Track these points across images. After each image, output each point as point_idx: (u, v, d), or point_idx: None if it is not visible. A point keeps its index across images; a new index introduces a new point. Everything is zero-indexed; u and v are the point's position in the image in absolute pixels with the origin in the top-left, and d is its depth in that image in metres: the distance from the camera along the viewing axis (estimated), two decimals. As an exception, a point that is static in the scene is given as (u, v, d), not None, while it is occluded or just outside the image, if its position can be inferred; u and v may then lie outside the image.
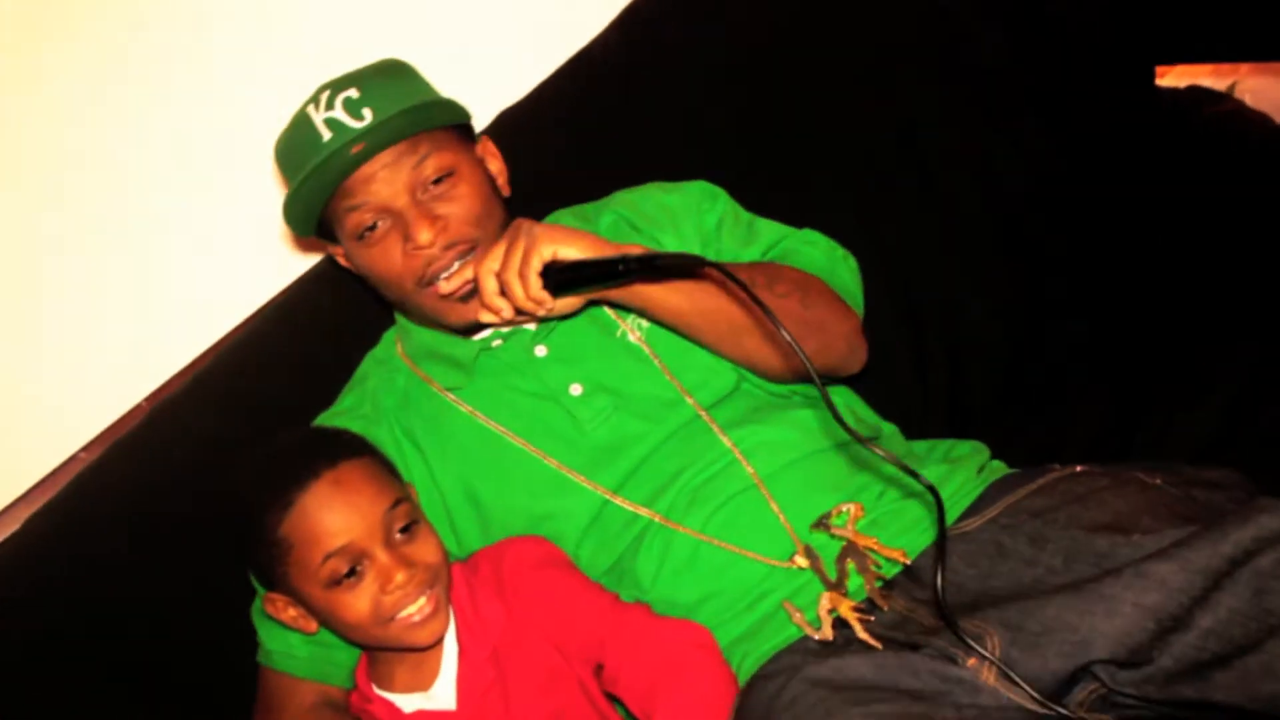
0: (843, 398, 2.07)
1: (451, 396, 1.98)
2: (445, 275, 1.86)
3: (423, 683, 1.86)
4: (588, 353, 1.97)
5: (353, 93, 1.87)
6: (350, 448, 1.82)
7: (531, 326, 1.97)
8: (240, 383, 2.20)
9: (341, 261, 2.02)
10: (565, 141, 2.34)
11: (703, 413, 1.93)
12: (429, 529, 1.83)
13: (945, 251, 2.36)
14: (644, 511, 1.89)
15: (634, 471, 1.92)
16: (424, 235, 1.84)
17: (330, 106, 1.86)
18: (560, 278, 1.74)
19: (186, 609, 2.05)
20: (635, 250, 1.72)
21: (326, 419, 2.04)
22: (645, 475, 1.91)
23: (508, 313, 1.81)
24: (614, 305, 1.94)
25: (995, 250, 2.36)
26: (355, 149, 1.82)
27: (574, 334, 1.98)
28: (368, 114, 1.85)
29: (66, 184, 2.29)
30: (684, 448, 1.92)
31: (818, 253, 2.04)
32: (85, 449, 2.27)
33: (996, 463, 1.98)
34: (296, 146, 1.89)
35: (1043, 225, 2.36)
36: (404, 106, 1.86)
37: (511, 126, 2.35)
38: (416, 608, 1.77)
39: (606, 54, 2.41)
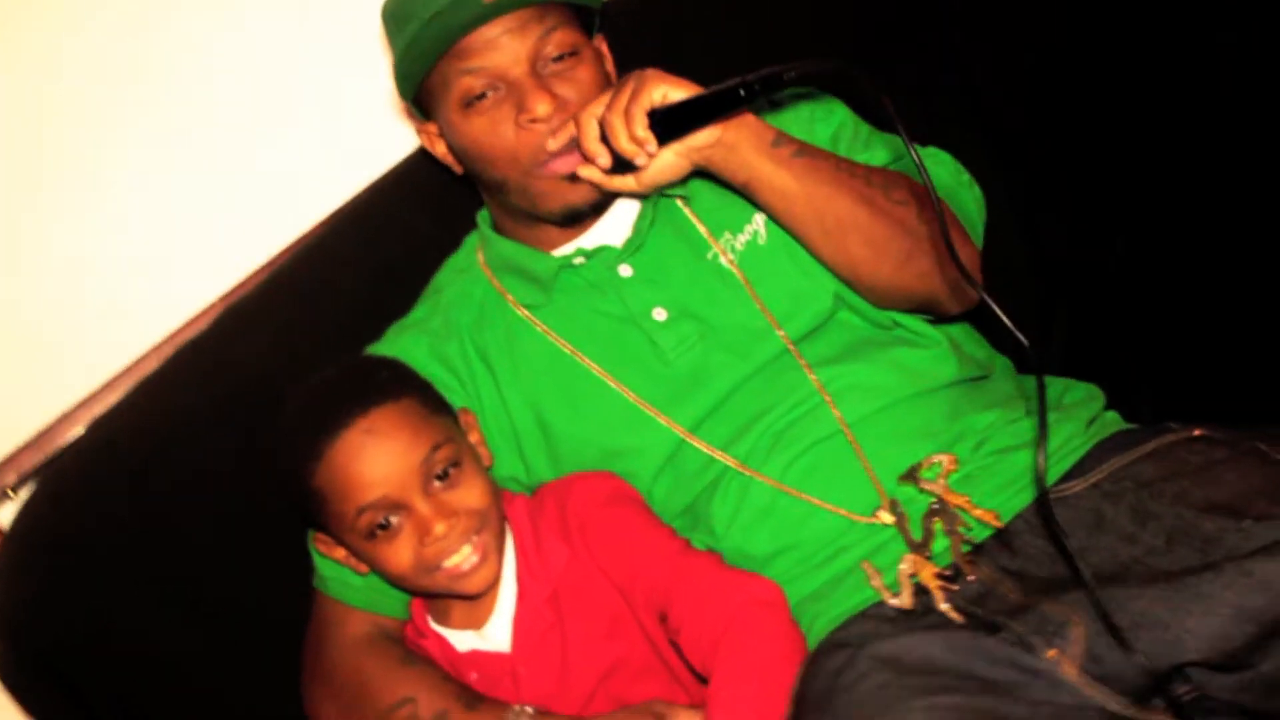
0: (954, 329, 1.93)
1: (528, 314, 1.89)
2: (551, 137, 1.75)
3: (478, 620, 1.79)
4: (675, 275, 1.86)
5: None
6: (385, 390, 1.73)
7: (630, 203, 1.86)
8: (315, 284, 2.11)
9: (431, 142, 1.91)
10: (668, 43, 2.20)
11: (792, 347, 1.81)
12: (474, 470, 1.74)
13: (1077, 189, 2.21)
14: (721, 456, 1.79)
15: (715, 409, 1.81)
16: (541, 107, 1.73)
17: None
18: (670, 120, 1.64)
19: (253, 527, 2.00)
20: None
21: (397, 330, 1.96)
22: (727, 414, 1.81)
23: (604, 160, 1.69)
24: (710, 216, 1.85)
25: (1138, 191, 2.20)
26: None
27: (662, 253, 1.87)
28: None
29: (150, 75, 2.22)
30: (769, 386, 1.81)
31: (944, 172, 1.90)
32: (158, 346, 2.21)
33: (1111, 414, 1.84)
34: None
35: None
36: None
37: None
38: (462, 557, 1.70)
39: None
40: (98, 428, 2.08)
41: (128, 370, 2.20)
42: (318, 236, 2.19)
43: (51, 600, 1.92)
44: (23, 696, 1.90)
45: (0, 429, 2.20)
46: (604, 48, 1.91)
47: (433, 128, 1.89)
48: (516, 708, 1.68)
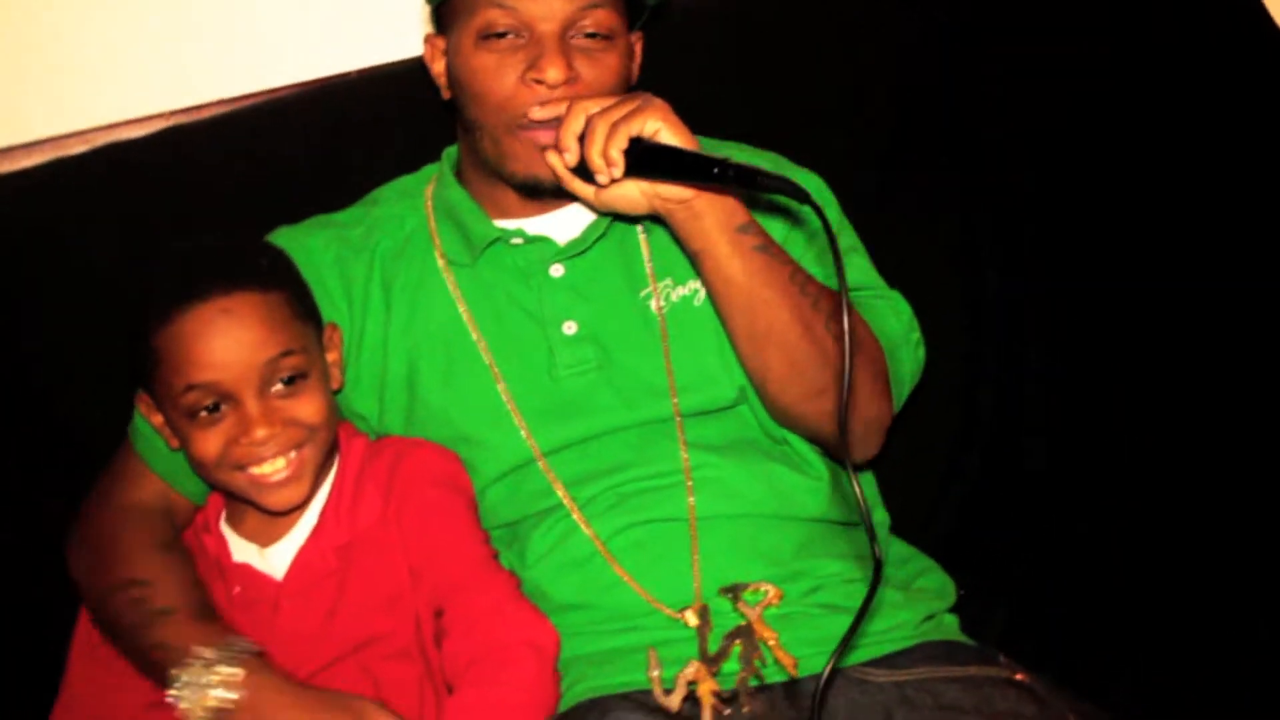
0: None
1: (447, 270, 1.84)
2: (539, 104, 1.70)
3: (265, 538, 1.73)
4: (602, 296, 1.81)
5: None
6: (258, 276, 1.66)
7: (577, 214, 1.81)
8: (261, 142, 2.07)
9: (433, 55, 1.84)
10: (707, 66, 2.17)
11: (679, 418, 1.77)
12: (319, 386, 1.68)
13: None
14: (562, 491, 1.75)
15: (578, 444, 1.77)
16: (553, 73, 1.68)
17: None
18: (645, 156, 1.60)
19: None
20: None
21: (315, 223, 1.89)
22: (587, 453, 1.76)
23: (571, 158, 1.64)
24: (661, 255, 1.80)
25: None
26: None
27: (599, 269, 1.82)
28: None
29: None
30: (640, 445, 1.76)
31: (895, 323, 1.84)
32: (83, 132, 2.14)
33: (950, 619, 1.80)
34: None
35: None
36: None
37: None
38: (273, 468, 1.64)
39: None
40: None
41: (43, 142, 2.14)
42: (292, 95, 2.14)
43: None
44: None
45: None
46: (638, 46, 1.86)
47: (440, 43, 1.82)
48: (240, 640, 1.61)
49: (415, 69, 2.06)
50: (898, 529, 1.94)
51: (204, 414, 1.62)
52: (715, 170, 1.55)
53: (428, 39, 1.86)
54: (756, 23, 2.23)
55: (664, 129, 1.60)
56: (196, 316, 1.61)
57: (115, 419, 1.84)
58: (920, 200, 2.20)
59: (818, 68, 2.22)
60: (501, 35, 1.72)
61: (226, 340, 1.61)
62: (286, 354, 1.64)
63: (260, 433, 1.62)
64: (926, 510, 2.10)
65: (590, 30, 1.72)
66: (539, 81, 1.70)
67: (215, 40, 2.24)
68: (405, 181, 1.96)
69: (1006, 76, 2.22)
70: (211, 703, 1.56)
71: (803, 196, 1.51)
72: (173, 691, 1.58)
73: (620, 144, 1.59)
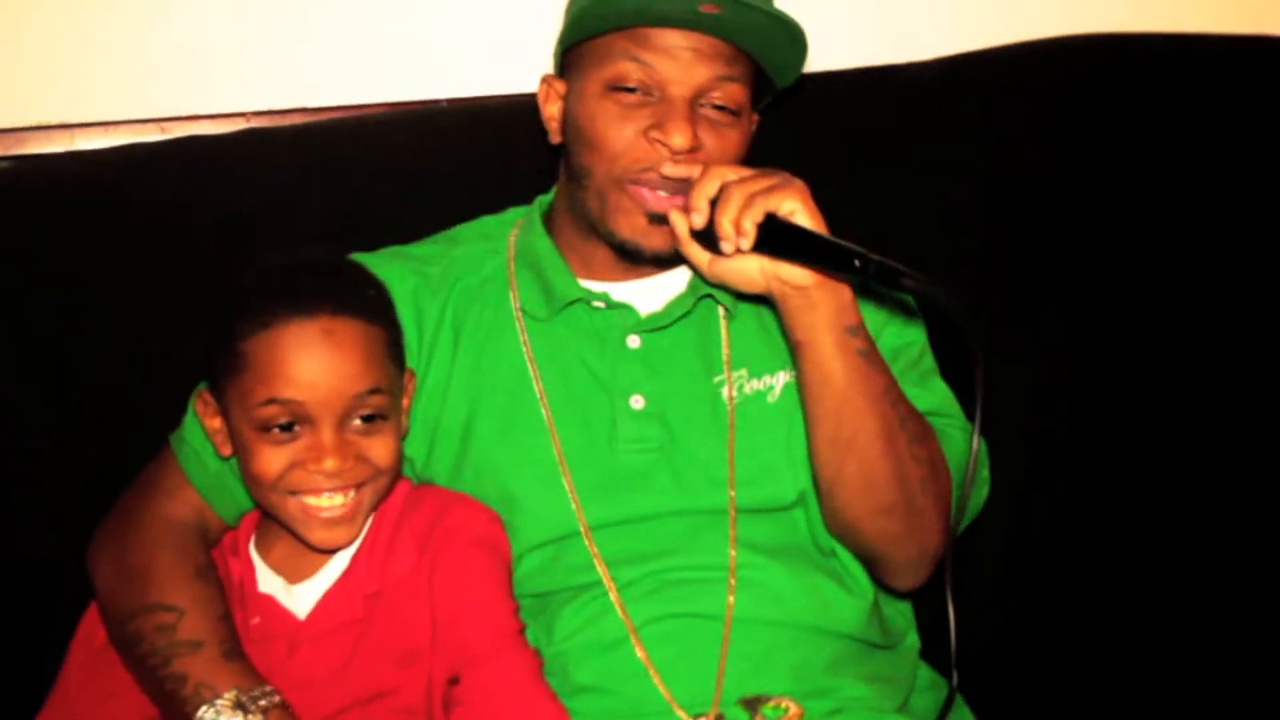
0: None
1: (522, 321, 1.79)
2: (671, 161, 1.67)
3: (294, 573, 1.66)
4: (674, 376, 1.76)
5: None
6: (366, 307, 1.62)
7: (679, 283, 1.78)
8: (340, 158, 2.04)
9: (547, 97, 1.81)
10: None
11: (733, 513, 1.72)
12: (394, 431, 1.63)
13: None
14: (603, 569, 1.70)
15: (626, 523, 1.72)
16: (679, 138, 1.65)
17: None
18: (779, 235, 1.56)
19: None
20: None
21: (393, 253, 1.84)
22: (634, 534, 1.71)
23: (700, 220, 1.61)
24: (740, 344, 1.77)
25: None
26: (705, 7, 1.63)
27: (676, 348, 1.77)
28: None
29: None
30: (689, 534, 1.71)
31: (967, 457, 1.76)
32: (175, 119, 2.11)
33: None
34: None
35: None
36: (766, 8, 1.67)
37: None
38: (330, 502, 1.58)
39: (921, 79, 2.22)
40: (70, 161, 2.02)
41: (128, 123, 2.11)
42: (377, 115, 2.12)
43: None
44: None
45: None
46: (753, 127, 1.82)
47: (560, 86, 1.79)
48: (268, 690, 1.55)
49: (510, 107, 2.04)
50: (926, 654, 1.89)
51: (276, 431, 1.56)
52: (856, 262, 1.50)
53: (545, 79, 1.82)
54: (849, 113, 2.21)
55: (801, 211, 1.57)
56: (299, 331, 1.55)
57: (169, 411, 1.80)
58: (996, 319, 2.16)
59: (909, 161, 2.20)
60: (631, 90, 1.69)
61: (323, 363, 1.55)
62: (374, 391, 1.58)
63: (330, 464, 1.56)
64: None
65: (719, 102, 1.70)
66: (662, 143, 1.67)
67: (304, 48, 2.20)
68: (488, 223, 1.91)
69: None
70: None
71: (951, 302, 1.48)
72: None
73: (755, 216, 1.56)
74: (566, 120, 1.77)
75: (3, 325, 1.89)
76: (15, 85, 2.11)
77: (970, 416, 1.65)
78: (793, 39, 1.71)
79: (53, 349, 1.90)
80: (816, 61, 1.92)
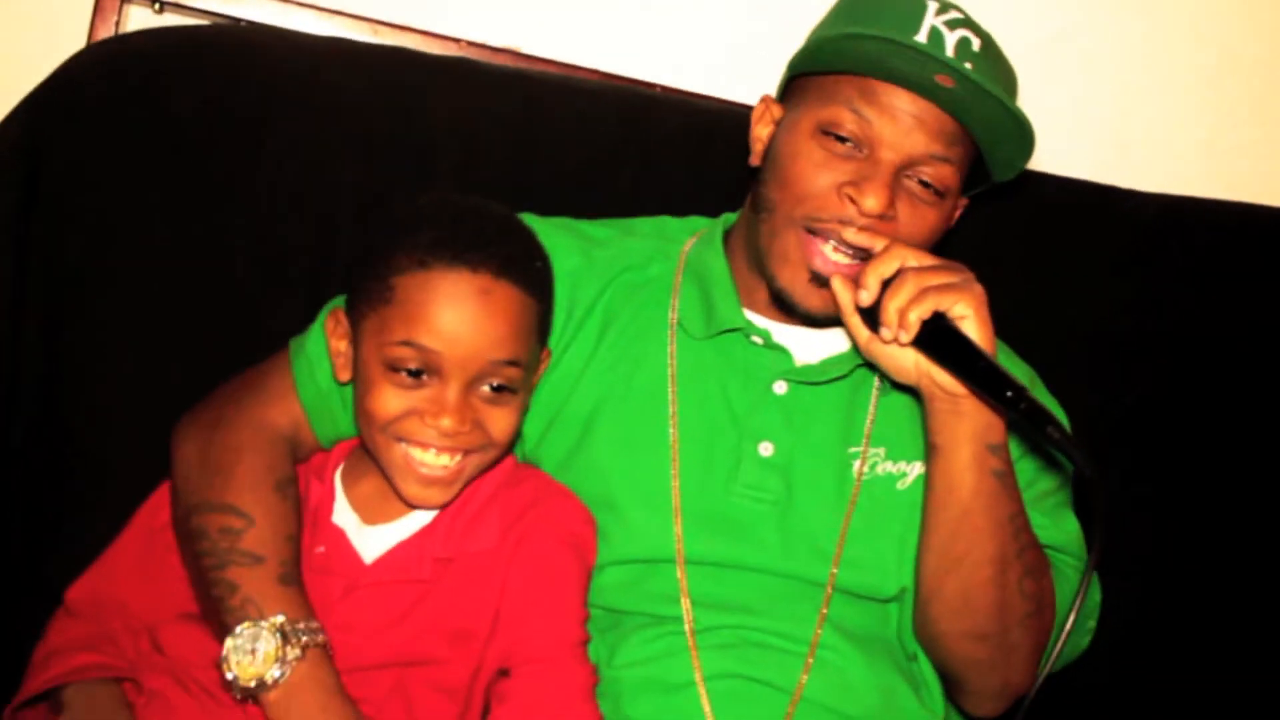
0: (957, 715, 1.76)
1: (674, 333, 1.72)
2: (857, 227, 1.60)
3: (372, 515, 1.59)
4: (811, 434, 1.68)
5: (975, 42, 1.61)
6: (528, 277, 1.55)
7: (844, 344, 1.70)
8: (559, 109, 1.98)
9: (761, 118, 1.75)
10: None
11: (830, 589, 1.64)
12: (518, 407, 1.56)
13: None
14: (686, 607, 1.62)
15: (723, 567, 1.64)
16: (872, 201, 1.59)
17: (950, 27, 1.61)
18: (941, 337, 1.51)
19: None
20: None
21: (566, 224, 1.78)
22: (726, 580, 1.64)
23: (867, 298, 1.54)
24: (885, 422, 1.70)
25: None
26: (939, 77, 1.56)
27: (821, 406, 1.70)
28: (968, 68, 1.57)
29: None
30: (780, 598, 1.64)
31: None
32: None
33: None
34: (884, 8, 1.63)
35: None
36: (1004, 99, 1.59)
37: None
38: (435, 460, 1.52)
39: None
40: (276, 37, 1.97)
41: (345, 15, 2.08)
42: (592, 82, 2.07)
43: (87, 117, 1.81)
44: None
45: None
46: (958, 212, 1.73)
47: (777, 111, 1.72)
48: (315, 626, 1.48)
49: (722, 114, 1.97)
50: None
51: (404, 374, 1.50)
52: (1009, 394, 1.45)
53: (765, 100, 1.75)
54: (1056, 219, 2.14)
55: (972, 318, 1.50)
56: (456, 281, 1.50)
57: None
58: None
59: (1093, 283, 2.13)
60: (842, 139, 1.61)
61: (472, 320, 1.50)
62: (512, 363, 1.52)
63: (447, 422, 1.49)
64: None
65: (926, 179, 1.63)
66: (854, 200, 1.59)
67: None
68: (668, 224, 1.85)
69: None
70: (256, 672, 1.44)
71: (1088, 468, 1.42)
72: (227, 642, 1.45)
73: (922, 312, 1.49)
74: (771, 147, 1.70)
75: (174, 163, 1.84)
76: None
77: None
78: (1021, 136, 1.62)
79: (214, 216, 1.85)
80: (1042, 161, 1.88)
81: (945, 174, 1.63)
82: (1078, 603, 1.38)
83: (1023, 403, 1.44)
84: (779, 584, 1.64)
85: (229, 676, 1.45)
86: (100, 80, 1.82)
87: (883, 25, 1.59)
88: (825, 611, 1.64)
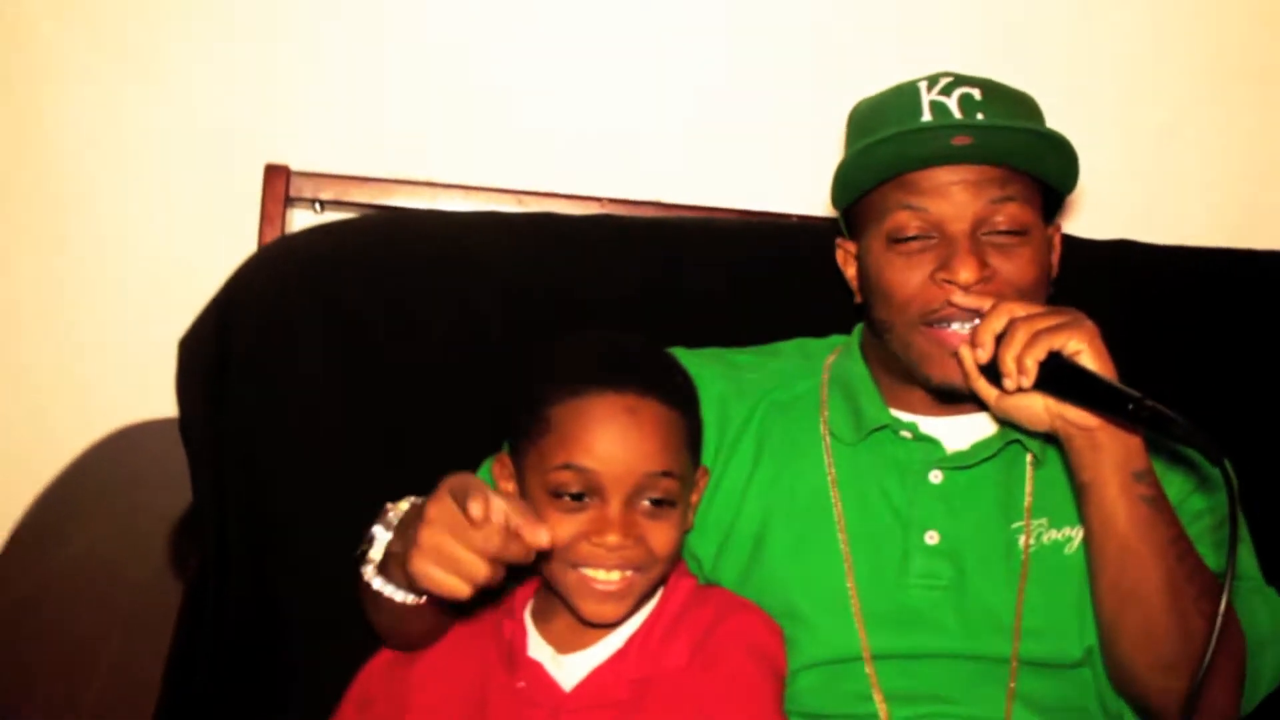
0: None
1: (828, 441, 1.76)
2: (960, 293, 1.63)
3: (566, 645, 1.64)
4: (972, 517, 1.70)
5: (975, 92, 1.65)
6: (673, 393, 1.62)
7: (990, 424, 1.72)
8: (672, 254, 2.06)
9: (845, 261, 1.80)
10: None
11: (1015, 664, 1.64)
12: (677, 521, 1.60)
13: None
14: (880, 702, 1.63)
15: (909, 658, 1.65)
16: (965, 274, 1.61)
17: (946, 93, 1.66)
18: (1060, 374, 1.53)
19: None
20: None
21: (713, 354, 1.84)
22: (915, 672, 1.65)
23: (984, 355, 1.56)
24: (1044, 493, 1.71)
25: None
26: (956, 140, 1.60)
27: (977, 488, 1.71)
28: (980, 118, 1.62)
29: None
30: (968, 681, 1.64)
31: (1266, 621, 1.69)
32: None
33: None
34: (884, 111, 1.68)
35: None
36: (1020, 125, 1.63)
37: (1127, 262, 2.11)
38: (605, 575, 1.56)
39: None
40: (431, 218, 2.09)
41: (489, 190, 2.19)
42: (719, 221, 2.15)
43: (270, 311, 1.92)
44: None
45: (361, 153, 2.22)
46: (1057, 238, 1.75)
47: (852, 247, 1.77)
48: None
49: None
50: None
51: (568, 499, 1.56)
52: (1130, 406, 1.44)
53: (839, 244, 1.80)
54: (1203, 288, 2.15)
55: (1086, 351, 1.51)
56: (604, 403, 1.56)
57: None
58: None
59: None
60: (912, 238, 1.65)
61: (623, 438, 1.56)
62: (666, 474, 1.57)
63: (613, 538, 1.54)
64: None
65: (1003, 227, 1.65)
66: (950, 282, 1.62)
67: (660, 144, 2.27)
68: (809, 344, 1.89)
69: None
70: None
71: (1216, 454, 1.39)
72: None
73: (1038, 354, 1.50)
74: (861, 278, 1.75)
75: (337, 348, 1.93)
76: (387, 139, 2.20)
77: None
78: (1057, 148, 1.64)
79: (384, 388, 1.93)
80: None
81: (1015, 212, 1.65)
82: (1222, 607, 1.34)
83: (1145, 410, 1.43)
84: (965, 667, 1.64)
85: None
86: (273, 281, 1.92)
87: (889, 124, 1.64)
88: (1013, 687, 1.63)
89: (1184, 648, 1.56)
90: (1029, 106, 1.72)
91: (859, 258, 1.75)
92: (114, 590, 1.80)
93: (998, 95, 1.68)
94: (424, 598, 1.53)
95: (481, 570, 1.38)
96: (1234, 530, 1.39)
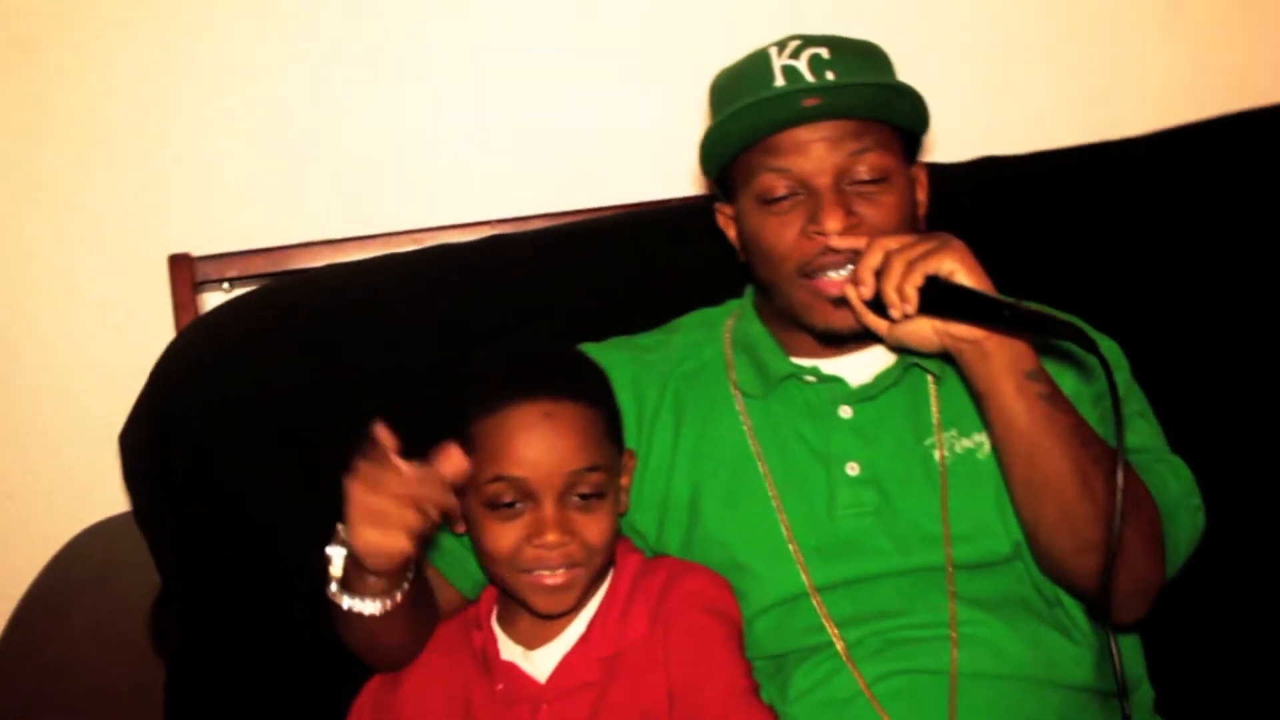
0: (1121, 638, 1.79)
1: (740, 400, 1.83)
2: (839, 271, 1.70)
3: (533, 641, 1.72)
4: (886, 441, 1.77)
5: (823, 51, 1.72)
6: (583, 390, 1.68)
7: (887, 352, 1.79)
8: (575, 258, 2.13)
9: (725, 224, 1.87)
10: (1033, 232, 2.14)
11: (950, 569, 1.71)
12: (610, 509, 1.68)
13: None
14: (831, 629, 1.71)
15: (851, 584, 1.72)
16: (832, 223, 1.67)
17: (795, 56, 1.72)
18: (939, 295, 1.59)
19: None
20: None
21: (618, 343, 1.91)
22: (858, 595, 1.72)
23: (867, 291, 1.63)
24: (949, 407, 1.78)
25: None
26: (807, 101, 1.67)
27: (886, 414, 1.78)
28: (830, 77, 1.69)
29: None
30: (910, 593, 1.71)
31: (1174, 486, 1.76)
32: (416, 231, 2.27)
33: None
34: (740, 80, 1.75)
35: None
36: (871, 84, 1.70)
37: (991, 178, 2.18)
38: (551, 573, 1.64)
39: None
40: (333, 273, 2.14)
41: (384, 236, 2.27)
42: (611, 217, 2.20)
43: (199, 392, 1.97)
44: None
45: (257, 226, 2.29)
46: (922, 175, 1.83)
47: (729, 209, 1.83)
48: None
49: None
50: (1164, 708, 1.85)
51: (503, 508, 1.63)
52: (1005, 313, 1.52)
53: (718, 209, 1.87)
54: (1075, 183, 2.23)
55: (960, 270, 1.57)
56: (521, 414, 1.63)
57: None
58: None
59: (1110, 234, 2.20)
60: (782, 198, 1.72)
61: (543, 442, 1.63)
62: (592, 469, 1.64)
63: (551, 537, 1.62)
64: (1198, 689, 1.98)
65: (864, 176, 1.71)
66: (820, 233, 1.69)
67: (544, 158, 2.34)
68: (707, 313, 1.96)
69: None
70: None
71: (1088, 344, 1.47)
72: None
73: (915, 281, 1.57)
74: (741, 239, 1.82)
75: (272, 411, 1.98)
76: (280, 208, 2.29)
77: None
78: (902, 96, 1.72)
79: (315, 441, 1.97)
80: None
81: (874, 160, 1.71)
82: (1120, 480, 1.44)
83: (1019, 314, 1.52)
84: (906, 582, 1.72)
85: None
86: (196, 362, 1.99)
87: (745, 93, 1.72)
88: (953, 590, 1.71)
89: (1099, 526, 1.62)
90: (876, 57, 1.79)
91: (736, 219, 1.82)
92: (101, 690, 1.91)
93: (844, 51, 1.74)
94: (390, 601, 1.60)
95: (410, 516, 1.46)
96: (1117, 405, 1.47)
